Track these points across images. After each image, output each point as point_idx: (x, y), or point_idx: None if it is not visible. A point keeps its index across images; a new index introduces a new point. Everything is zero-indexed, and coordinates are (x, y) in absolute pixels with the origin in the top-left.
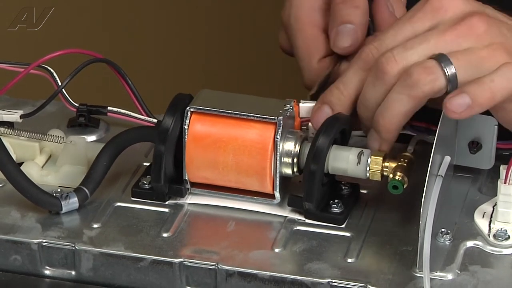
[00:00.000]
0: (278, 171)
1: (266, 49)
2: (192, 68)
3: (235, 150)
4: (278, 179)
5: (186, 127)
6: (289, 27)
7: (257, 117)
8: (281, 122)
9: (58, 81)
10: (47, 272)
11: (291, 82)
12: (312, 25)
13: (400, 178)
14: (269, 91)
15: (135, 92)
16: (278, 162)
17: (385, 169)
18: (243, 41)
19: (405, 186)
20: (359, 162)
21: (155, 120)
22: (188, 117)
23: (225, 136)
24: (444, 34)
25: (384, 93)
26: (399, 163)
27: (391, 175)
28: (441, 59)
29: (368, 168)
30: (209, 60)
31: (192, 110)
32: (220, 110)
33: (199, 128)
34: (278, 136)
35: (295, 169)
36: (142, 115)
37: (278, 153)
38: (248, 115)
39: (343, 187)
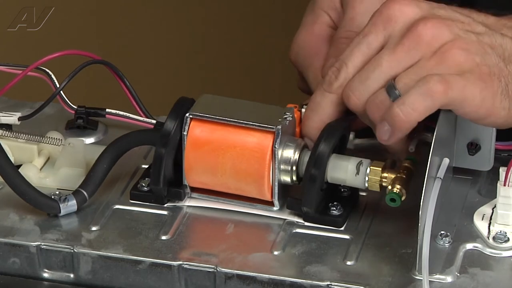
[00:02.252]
0: (277, 179)
1: (267, 51)
2: (191, 69)
3: (234, 158)
4: (277, 187)
5: (185, 133)
6: (299, 65)
7: (256, 125)
8: (280, 131)
9: (56, 83)
10: (45, 275)
11: (292, 86)
12: (319, 58)
13: (398, 190)
14: (270, 94)
15: (133, 93)
16: (277, 170)
17: (384, 179)
18: (243, 42)
19: (403, 198)
20: (357, 173)
21: (153, 121)
22: (188, 123)
23: (224, 144)
24: (394, 52)
25: (368, 119)
26: (398, 174)
27: (389, 187)
28: (390, 92)
29: (366, 179)
30: (207, 61)
31: (191, 116)
32: (220, 117)
33: (198, 134)
34: (276, 145)
35: (294, 178)
36: (141, 116)
37: (276, 161)
38: (247, 123)
39: (342, 190)
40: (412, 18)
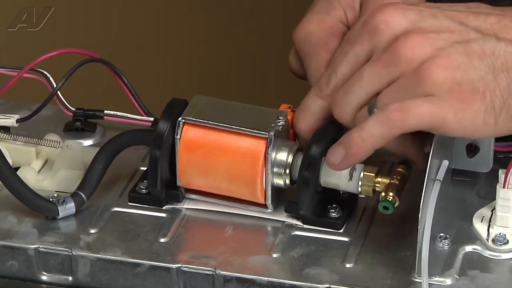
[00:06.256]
0: (270, 182)
1: (264, 50)
2: (189, 68)
3: (226, 162)
4: (270, 191)
5: (178, 137)
6: (302, 50)
7: (248, 131)
8: (272, 137)
9: (54, 84)
10: (44, 277)
11: (289, 87)
12: (327, 51)
13: (391, 198)
14: (265, 91)
15: (132, 90)
16: (270, 174)
17: (377, 185)
18: (240, 40)
19: (396, 205)
20: (350, 179)
21: (152, 119)
22: (180, 127)
23: (216, 148)
24: (375, 67)
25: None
26: (392, 180)
27: (383, 193)
28: (370, 112)
29: (360, 183)
30: (205, 59)
31: (184, 121)
32: (212, 122)
33: (190, 138)
34: (269, 151)
35: (287, 181)
36: (140, 113)
37: (269, 165)
38: (239, 129)
39: (341, 192)
40: (397, 31)
